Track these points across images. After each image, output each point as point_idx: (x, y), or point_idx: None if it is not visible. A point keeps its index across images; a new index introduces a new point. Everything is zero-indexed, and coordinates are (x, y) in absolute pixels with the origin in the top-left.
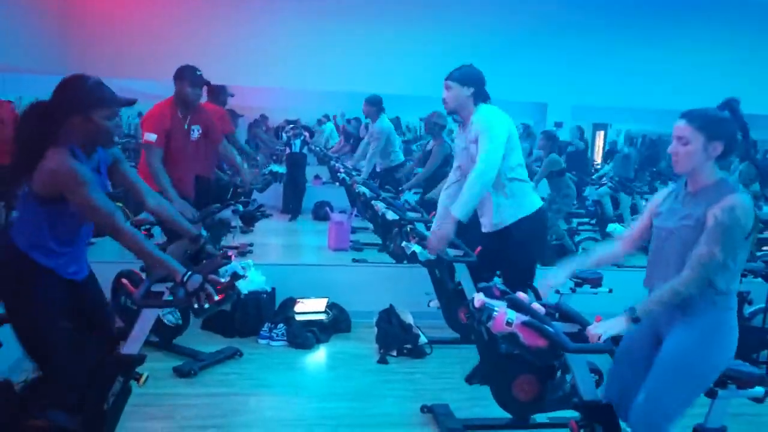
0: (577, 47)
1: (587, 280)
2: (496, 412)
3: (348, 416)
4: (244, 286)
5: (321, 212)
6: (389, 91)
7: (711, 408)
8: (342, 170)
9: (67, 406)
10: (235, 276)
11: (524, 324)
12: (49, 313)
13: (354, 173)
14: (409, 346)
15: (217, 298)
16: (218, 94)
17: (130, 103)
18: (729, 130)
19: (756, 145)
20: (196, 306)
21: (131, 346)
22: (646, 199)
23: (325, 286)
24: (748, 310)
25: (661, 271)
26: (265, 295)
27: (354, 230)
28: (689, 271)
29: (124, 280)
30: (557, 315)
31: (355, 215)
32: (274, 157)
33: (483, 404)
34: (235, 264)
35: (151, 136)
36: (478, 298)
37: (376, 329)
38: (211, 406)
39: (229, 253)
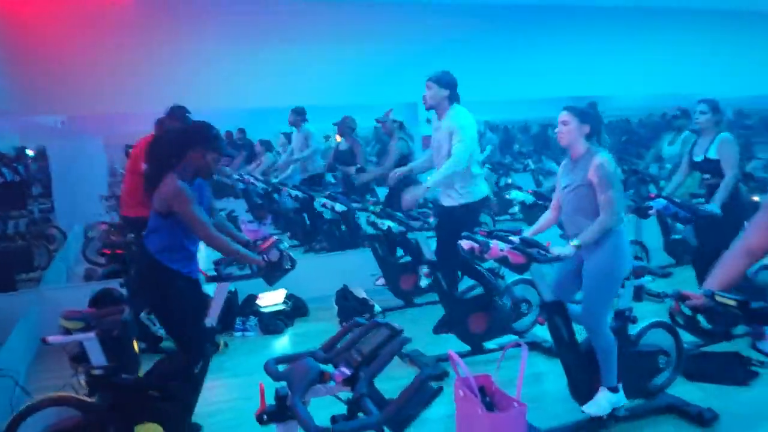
0: (439, 51)
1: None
2: (455, 347)
3: None
4: (208, 290)
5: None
6: (268, 104)
7: (621, 295)
8: (252, 180)
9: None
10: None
11: (512, 248)
12: (181, 303)
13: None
14: (367, 315)
15: (289, 266)
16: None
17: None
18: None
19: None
20: (269, 273)
21: (212, 318)
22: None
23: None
24: None
25: (570, 222)
26: (229, 295)
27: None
28: (605, 211)
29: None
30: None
31: (269, 223)
32: None
33: (442, 346)
34: (284, 243)
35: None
36: (466, 242)
37: (336, 307)
38: (225, 387)
39: (276, 237)
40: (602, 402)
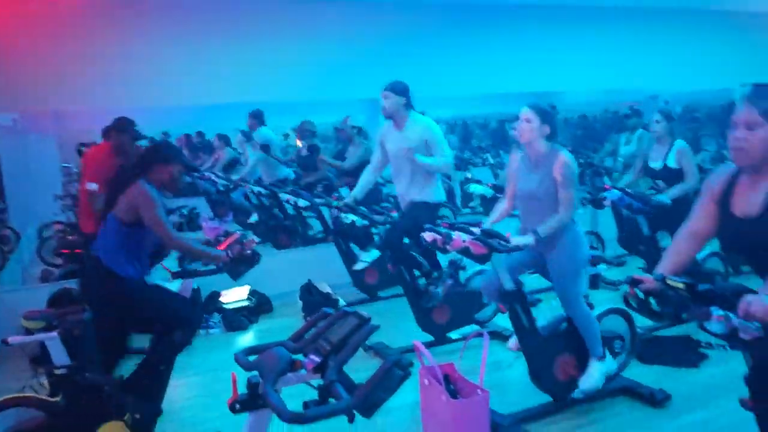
0: (398, 48)
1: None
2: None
3: None
4: (173, 287)
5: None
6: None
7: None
8: (212, 178)
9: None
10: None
11: (473, 239)
12: (146, 301)
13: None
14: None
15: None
16: None
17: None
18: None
19: None
20: (233, 268)
21: None
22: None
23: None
24: None
25: (530, 215)
26: (192, 292)
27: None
28: (564, 207)
29: (164, 265)
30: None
31: (230, 220)
32: None
33: (407, 339)
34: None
35: (93, 186)
36: (429, 234)
37: (300, 302)
38: (189, 384)
39: (239, 233)
40: (595, 374)
